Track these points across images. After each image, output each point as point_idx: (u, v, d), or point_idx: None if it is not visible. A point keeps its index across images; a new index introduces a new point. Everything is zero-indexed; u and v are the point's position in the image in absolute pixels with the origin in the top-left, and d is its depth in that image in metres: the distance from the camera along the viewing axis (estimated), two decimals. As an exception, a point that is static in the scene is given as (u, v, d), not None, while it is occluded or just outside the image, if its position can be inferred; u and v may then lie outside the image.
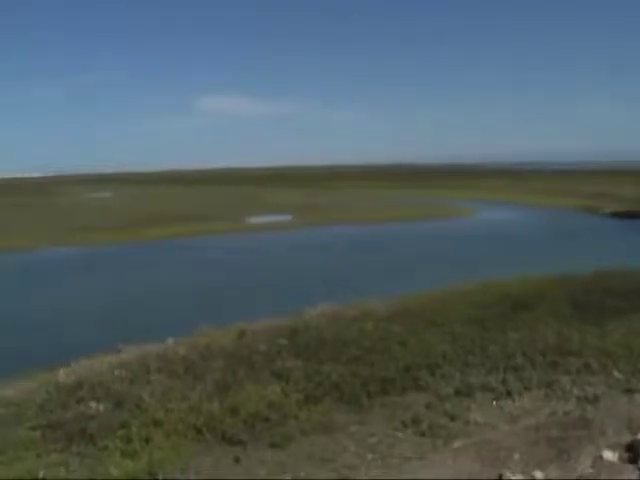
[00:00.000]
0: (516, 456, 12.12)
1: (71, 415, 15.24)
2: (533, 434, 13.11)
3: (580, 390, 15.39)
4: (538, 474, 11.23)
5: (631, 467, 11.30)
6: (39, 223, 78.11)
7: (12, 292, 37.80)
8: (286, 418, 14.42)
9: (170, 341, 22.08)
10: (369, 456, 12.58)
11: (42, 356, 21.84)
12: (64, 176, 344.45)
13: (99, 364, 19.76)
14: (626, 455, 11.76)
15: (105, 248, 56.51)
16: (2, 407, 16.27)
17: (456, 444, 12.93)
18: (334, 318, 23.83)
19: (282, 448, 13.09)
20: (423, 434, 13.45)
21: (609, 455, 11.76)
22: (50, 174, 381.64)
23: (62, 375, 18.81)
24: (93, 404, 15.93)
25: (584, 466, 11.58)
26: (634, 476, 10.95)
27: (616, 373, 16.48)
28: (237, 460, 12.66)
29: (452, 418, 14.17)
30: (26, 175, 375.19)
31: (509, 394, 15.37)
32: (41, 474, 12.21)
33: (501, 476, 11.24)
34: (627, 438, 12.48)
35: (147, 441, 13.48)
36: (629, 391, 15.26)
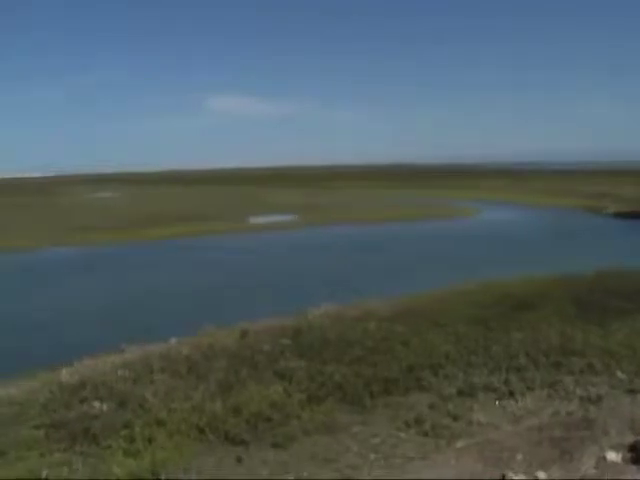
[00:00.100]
0: (519, 456, 12.12)
1: (74, 415, 15.25)
2: (536, 434, 13.11)
3: (583, 390, 15.37)
4: (541, 474, 11.23)
5: (634, 468, 11.30)
6: (40, 223, 78.19)
7: (14, 292, 37.84)
8: (289, 418, 14.42)
9: (173, 341, 22.10)
10: (372, 456, 12.59)
11: (45, 356, 21.86)
12: (65, 176, 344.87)
13: (102, 364, 19.77)
14: (629, 455, 11.75)
15: (107, 248, 56.56)
16: (6, 406, 16.30)
17: (459, 444, 12.92)
18: (337, 318, 23.82)
19: (285, 448, 13.09)
20: (426, 434, 13.45)
21: (612, 456, 11.76)
22: (50, 174, 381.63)
23: (65, 375, 18.82)
24: (96, 404, 15.95)
25: (587, 466, 11.57)
26: (637, 476, 10.95)
27: (619, 373, 16.46)
28: (240, 460, 12.67)
29: (455, 418, 14.16)
30: (26, 175, 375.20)
31: (512, 394, 15.36)
32: (44, 473, 12.23)
33: (504, 476, 11.24)
34: (630, 439, 12.47)
35: (150, 441, 13.50)
36: (632, 391, 15.24)
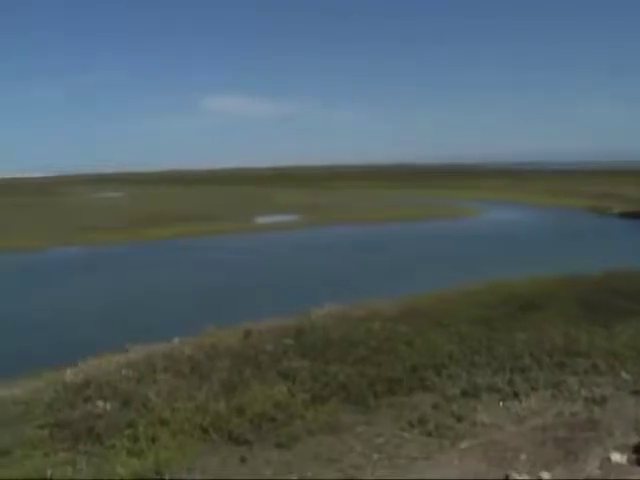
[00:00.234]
0: (523, 457, 12.09)
1: (79, 414, 15.29)
2: (540, 435, 13.08)
3: (587, 391, 15.33)
4: (545, 475, 11.20)
5: (639, 469, 11.26)
6: (42, 223, 78.38)
7: (17, 292, 37.95)
8: (292, 418, 14.42)
9: (176, 341, 22.13)
10: (375, 456, 12.58)
11: (49, 356, 21.91)
12: (65, 176, 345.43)
13: (106, 363, 19.82)
14: (634, 457, 11.71)
15: (109, 248, 56.67)
16: (11, 406, 16.35)
17: (463, 445, 12.90)
18: (340, 318, 23.82)
19: (288, 448, 13.09)
20: (430, 434, 13.43)
21: (617, 457, 11.72)
22: (50, 174, 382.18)
23: (69, 374, 18.88)
24: (100, 403, 15.98)
25: (591, 467, 11.54)
26: (642, 478, 10.91)
27: (624, 374, 16.41)
28: (243, 460, 12.67)
29: (459, 419, 14.14)
30: (26, 175, 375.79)
31: (516, 395, 15.33)
32: (49, 473, 12.25)
33: (507, 477, 11.21)
34: (635, 440, 12.43)
35: (153, 440, 13.51)
36: (637, 393, 15.19)
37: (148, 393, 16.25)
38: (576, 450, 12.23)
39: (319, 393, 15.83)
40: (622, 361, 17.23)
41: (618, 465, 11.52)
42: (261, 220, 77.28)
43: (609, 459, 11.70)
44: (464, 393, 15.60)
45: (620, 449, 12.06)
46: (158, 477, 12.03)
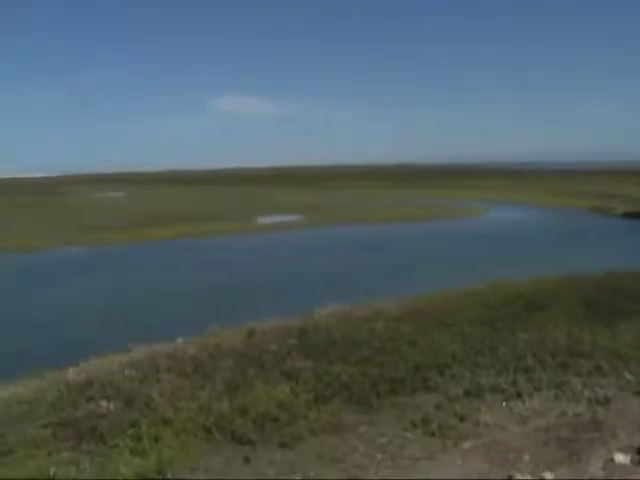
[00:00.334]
0: (526, 457, 12.08)
1: (82, 413, 15.30)
2: (543, 435, 13.06)
3: (591, 392, 15.30)
4: (548, 475, 11.18)
5: (643, 469, 11.23)
6: (43, 223, 78.48)
7: (20, 292, 38.03)
8: (295, 418, 14.42)
9: (179, 340, 22.15)
10: (379, 456, 12.57)
11: (53, 355, 21.98)
12: (66, 176, 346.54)
13: (109, 363, 19.83)
14: (638, 457, 11.68)
15: (113, 248, 56.79)
16: (14, 405, 16.38)
17: (466, 445, 12.89)
18: (344, 318, 23.81)
19: (291, 448, 13.09)
20: (433, 434, 13.42)
21: (621, 457, 11.69)
22: (51, 174, 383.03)
23: (72, 374, 18.89)
24: (103, 403, 15.99)
25: (595, 468, 11.52)
26: (646, 478, 10.89)
27: (627, 375, 16.37)
28: (246, 460, 12.67)
29: (462, 419, 14.13)
30: (26, 175, 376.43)
31: (519, 395, 15.30)
32: (52, 472, 12.27)
33: (510, 477, 11.20)
34: (638, 440, 12.40)
35: (156, 440, 13.51)
36: (640, 393, 15.15)
37: (151, 393, 16.25)
38: (579, 451, 12.21)
39: (322, 393, 15.83)
40: (625, 361, 17.18)
41: (622, 466, 11.49)
42: (262, 220, 77.35)
43: (612, 460, 11.68)
44: (467, 393, 15.58)
45: (624, 450, 12.03)
46: (161, 477, 12.04)
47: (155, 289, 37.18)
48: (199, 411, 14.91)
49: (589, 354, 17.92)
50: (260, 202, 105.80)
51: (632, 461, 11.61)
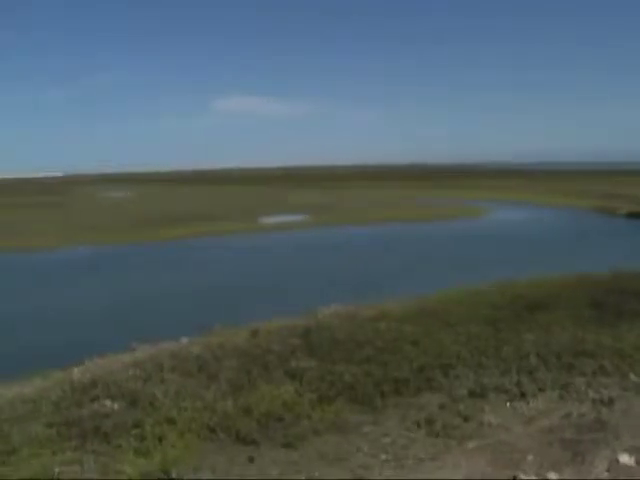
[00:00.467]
0: (530, 458, 12.04)
1: (86, 413, 15.33)
2: (547, 436, 13.02)
3: (595, 392, 15.25)
4: (552, 476, 11.15)
5: (647, 470, 11.19)
6: (46, 223, 78.64)
7: (24, 292, 38.14)
8: (299, 418, 14.42)
9: (184, 340, 22.19)
10: (383, 456, 12.55)
11: (58, 355, 22.02)
12: (67, 176, 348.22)
13: (113, 363, 19.89)
14: (642, 458, 11.64)
15: (119, 248, 56.88)
16: (19, 404, 16.43)
17: (470, 445, 12.86)
18: (347, 318, 23.81)
19: (295, 448, 13.09)
20: (437, 435, 13.39)
21: (625, 458, 11.65)
22: (51, 174, 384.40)
23: (77, 374, 18.96)
24: (107, 402, 16.03)
25: (599, 469, 11.48)
26: (651, 479, 10.85)
27: (632, 376, 16.31)
28: (250, 459, 12.67)
29: (466, 419, 14.09)
30: (27, 175, 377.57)
31: (523, 396, 15.26)
32: (56, 471, 12.29)
33: (515, 478, 11.17)
34: (643, 441, 12.36)
35: (160, 440, 13.52)
36: (645, 394, 15.10)
37: (155, 392, 16.28)
38: (584, 451, 12.17)
39: (326, 393, 15.82)
40: (630, 362, 17.12)
41: (626, 467, 11.45)
42: (270, 220, 77.41)
43: (617, 461, 11.63)
44: (471, 393, 15.55)
45: (628, 450, 11.98)
46: (165, 476, 12.04)
47: (159, 289, 37.24)
48: (203, 411, 14.93)
49: (594, 354, 17.87)
50: (267, 202, 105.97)
51: (637, 462, 11.56)
